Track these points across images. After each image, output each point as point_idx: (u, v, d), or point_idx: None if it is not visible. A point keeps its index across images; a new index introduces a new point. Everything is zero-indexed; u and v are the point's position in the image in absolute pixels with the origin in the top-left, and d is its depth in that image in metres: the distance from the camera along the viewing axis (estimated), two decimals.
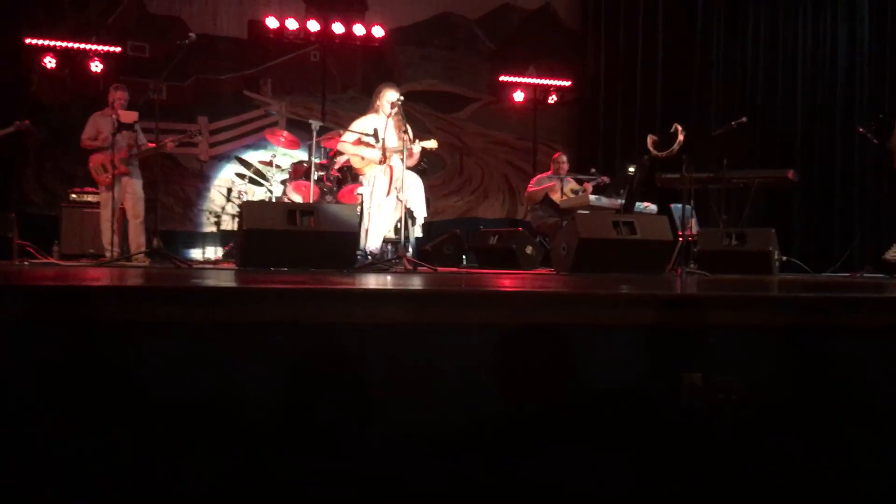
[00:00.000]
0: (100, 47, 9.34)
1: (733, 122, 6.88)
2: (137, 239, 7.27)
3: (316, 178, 6.65)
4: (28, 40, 9.16)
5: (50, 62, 9.21)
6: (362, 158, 6.33)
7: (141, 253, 6.15)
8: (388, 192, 6.25)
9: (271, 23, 9.79)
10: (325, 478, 2.06)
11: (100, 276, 3.10)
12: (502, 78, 10.73)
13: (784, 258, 6.68)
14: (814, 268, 7.36)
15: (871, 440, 2.37)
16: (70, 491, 1.92)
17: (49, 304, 1.97)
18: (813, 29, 10.45)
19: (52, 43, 9.22)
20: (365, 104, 7.01)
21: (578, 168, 9.01)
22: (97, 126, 7.20)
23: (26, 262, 5.78)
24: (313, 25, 9.90)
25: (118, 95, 7.24)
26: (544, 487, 2.19)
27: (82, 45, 9.30)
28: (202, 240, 9.62)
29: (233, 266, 5.96)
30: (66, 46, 9.26)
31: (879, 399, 2.39)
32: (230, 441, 2.02)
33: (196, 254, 9.38)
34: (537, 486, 2.18)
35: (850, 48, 10.27)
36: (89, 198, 8.20)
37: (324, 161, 7.32)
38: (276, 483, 2.03)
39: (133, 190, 7.24)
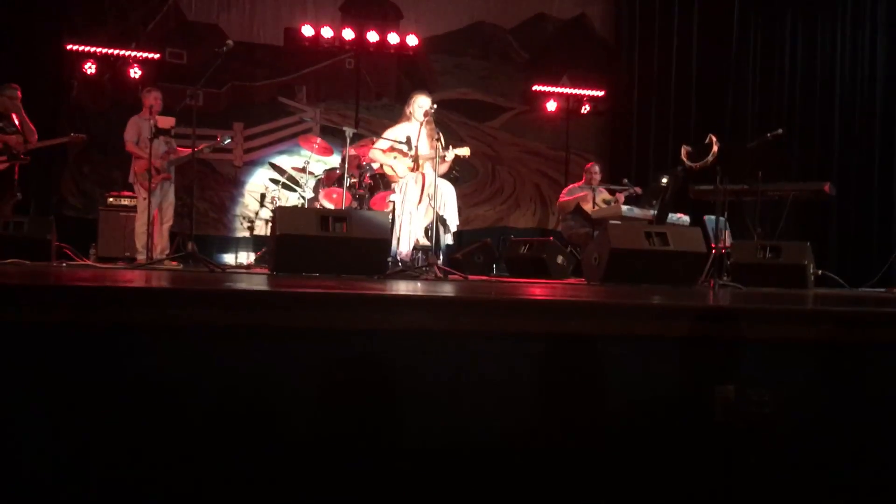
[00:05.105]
0: (139, 54, 9.48)
1: (769, 134, 6.78)
2: (163, 243, 7.39)
3: (348, 184, 6.69)
4: (69, 46, 9.32)
5: (90, 68, 9.36)
6: (392, 169, 6.36)
7: (177, 257, 6.24)
8: (420, 200, 6.26)
9: (307, 31, 9.88)
10: (353, 484, 2.07)
11: (136, 279, 3.14)
12: (536, 87, 10.72)
13: (820, 272, 6.57)
14: (850, 282, 7.23)
15: None
16: (104, 494, 1.94)
17: (85, 306, 2.00)
18: (852, 40, 10.31)
19: (93, 49, 9.37)
20: (399, 112, 7.04)
21: (611, 178, 8.96)
22: (138, 129, 7.30)
23: (64, 264, 5.88)
24: (348, 34, 9.98)
25: (154, 95, 7.33)
26: (575, 500, 2.17)
27: (122, 52, 9.45)
28: (235, 245, 9.71)
29: (265, 271, 6.00)
30: (106, 53, 9.41)
31: None
32: (260, 445, 2.04)
33: (229, 258, 9.48)
34: (567, 500, 2.17)
35: (889, 60, 10.10)
36: (126, 202, 8.33)
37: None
38: (304, 489, 2.04)
39: (170, 195, 7.41)
